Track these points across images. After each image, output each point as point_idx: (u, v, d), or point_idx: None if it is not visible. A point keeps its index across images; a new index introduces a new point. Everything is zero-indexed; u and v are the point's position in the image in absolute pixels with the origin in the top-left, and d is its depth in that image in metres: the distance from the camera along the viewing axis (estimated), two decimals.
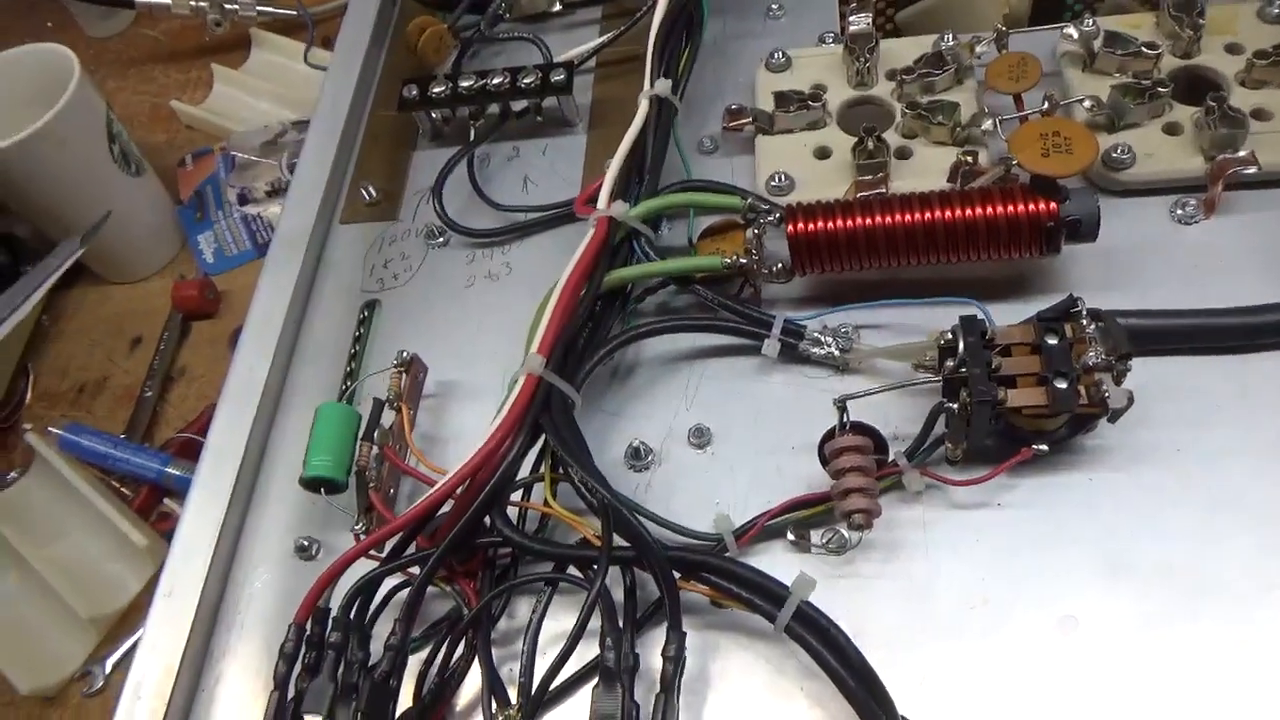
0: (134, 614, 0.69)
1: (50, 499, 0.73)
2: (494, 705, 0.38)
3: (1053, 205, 0.42)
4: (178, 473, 0.72)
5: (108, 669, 0.68)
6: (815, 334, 0.45)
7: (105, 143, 0.77)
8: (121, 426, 0.78)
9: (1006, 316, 0.41)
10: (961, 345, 0.39)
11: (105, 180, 0.78)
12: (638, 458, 0.45)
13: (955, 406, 0.39)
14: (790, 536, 0.41)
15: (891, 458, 0.41)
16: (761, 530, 0.41)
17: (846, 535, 0.41)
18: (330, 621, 0.39)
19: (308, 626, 0.39)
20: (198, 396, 0.79)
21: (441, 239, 0.54)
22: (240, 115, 0.90)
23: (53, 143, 0.72)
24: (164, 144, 0.92)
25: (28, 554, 0.70)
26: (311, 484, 0.43)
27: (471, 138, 0.56)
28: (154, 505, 0.74)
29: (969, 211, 0.43)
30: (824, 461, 0.41)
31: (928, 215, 0.43)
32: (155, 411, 0.79)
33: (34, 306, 0.80)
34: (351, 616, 0.39)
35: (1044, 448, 0.40)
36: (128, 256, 0.84)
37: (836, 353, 0.45)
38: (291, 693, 0.38)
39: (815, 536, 0.41)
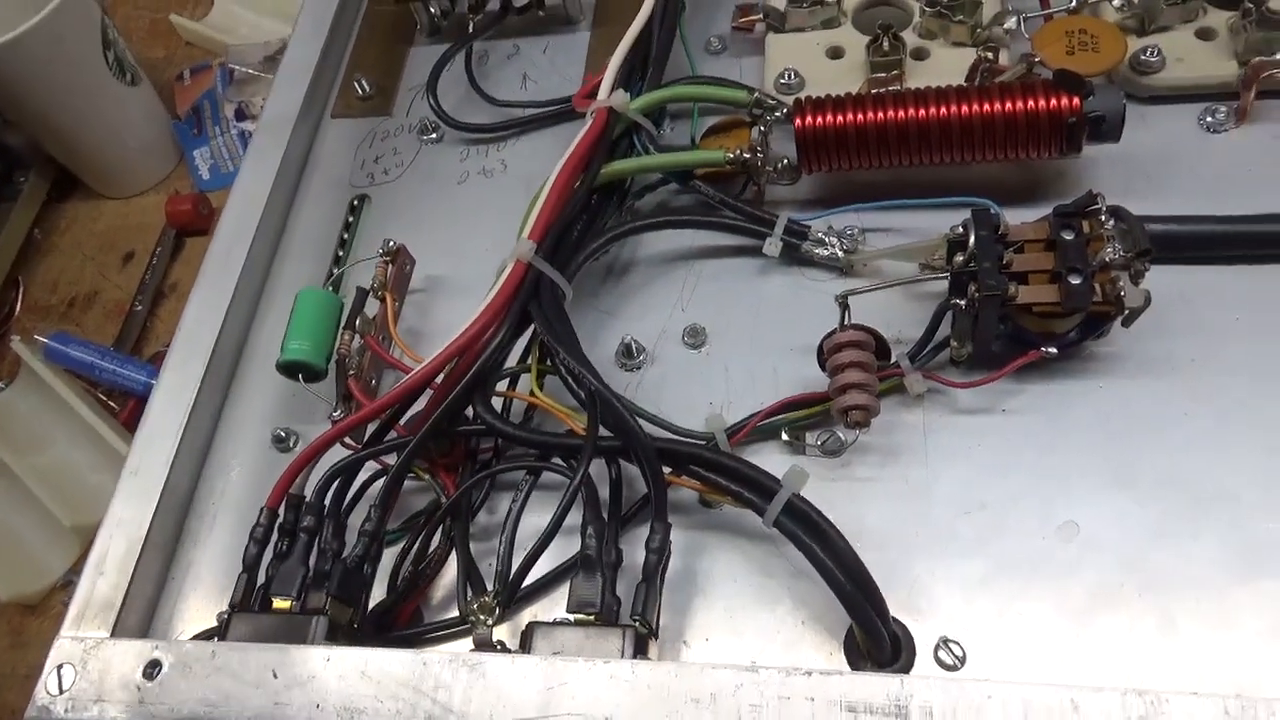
0: None
1: (36, 408, 0.71)
2: (469, 593, 0.37)
3: (1075, 99, 0.40)
4: None
5: None
6: (819, 234, 0.43)
7: (100, 48, 0.75)
8: (111, 341, 0.77)
9: (1021, 221, 0.39)
10: (972, 238, 0.37)
11: (99, 87, 0.77)
12: (629, 356, 0.43)
13: (962, 303, 0.37)
14: (784, 437, 0.40)
15: (894, 359, 0.39)
16: (755, 429, 0.39)
17: (843, 437, 0.39)
18: (303, 506, 0.38)
19: (280, 511, 0.38)
20: None
21: (435, 134, 0.52)
22: (241, 32, 0.88)
23: (46, 42, 0.70)
24: (162, 59, 0.91)
25: (12, 463, 0.69)
26: (288, 369, 0.42)
27: (470, 31, 0.54)
28: (140, 418, 0.72)
29: (987, 106, 0.41)
30: (822, 361, 0.39)
31: (944, 110, 0.41)
32: (145, 326, 0.77)
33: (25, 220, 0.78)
34: (327, 502, 0.38)
35: (1053, 350, 0.38)
36: (122, 170, 0.82)
37: (840, 254, 0.43)
38: (262, 579, 0.37)
39: (810, 438, 0.40)
